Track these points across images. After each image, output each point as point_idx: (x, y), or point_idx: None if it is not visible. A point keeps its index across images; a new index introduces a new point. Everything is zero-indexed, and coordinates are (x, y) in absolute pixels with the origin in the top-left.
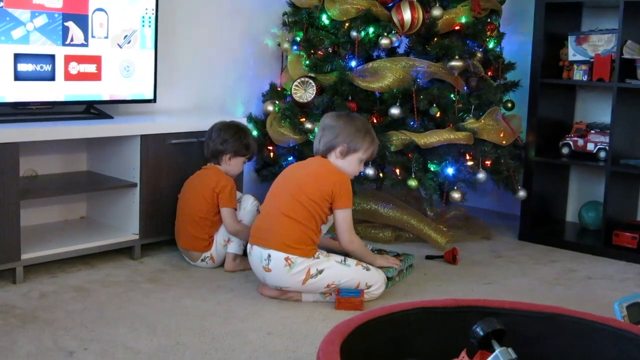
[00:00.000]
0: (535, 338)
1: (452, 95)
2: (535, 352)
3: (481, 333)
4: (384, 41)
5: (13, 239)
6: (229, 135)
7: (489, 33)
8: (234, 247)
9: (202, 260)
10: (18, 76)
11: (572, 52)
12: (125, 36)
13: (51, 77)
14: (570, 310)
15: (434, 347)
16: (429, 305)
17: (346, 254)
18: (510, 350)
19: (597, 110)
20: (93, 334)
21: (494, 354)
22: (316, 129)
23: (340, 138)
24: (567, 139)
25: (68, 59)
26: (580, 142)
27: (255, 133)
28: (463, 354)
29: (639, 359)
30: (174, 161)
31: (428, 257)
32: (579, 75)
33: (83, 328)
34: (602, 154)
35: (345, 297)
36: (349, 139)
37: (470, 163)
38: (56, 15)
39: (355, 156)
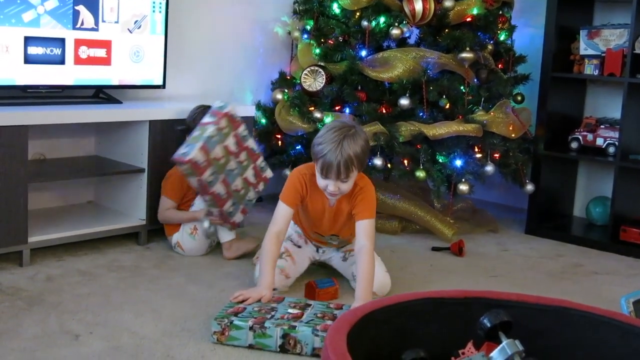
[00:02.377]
0: (542, 331)
1: (462, 87)
2: (542, 345)
3: (488, 325)
4: (395, 31)
5: (20, 222)
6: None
7: (500, 25)
8: (224, 236)
9: (175, 246)
10: (28, 59)
11: (584, 46)
12: (136, 21)
13: (61, 61)
14: (577, 304)
15: (441, 338)
16: (436, 296)
17: None
18: (517, 342)
19: (607, 105)
20: (98, 318)
21: (501, 345)
22: (325, 118)
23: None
24: (576, 133)
25: (78, 43)
26: (590, 137)
27: (263, 121)
28: (469, 345)
29: None
30: None
31: (434, 249)
32: (589, 69)
33: (89, 312)
34: (612, 149)
35: (323, 288)
36: (313, 144)
37: (478, 155)
38: None
39: (316, 165)
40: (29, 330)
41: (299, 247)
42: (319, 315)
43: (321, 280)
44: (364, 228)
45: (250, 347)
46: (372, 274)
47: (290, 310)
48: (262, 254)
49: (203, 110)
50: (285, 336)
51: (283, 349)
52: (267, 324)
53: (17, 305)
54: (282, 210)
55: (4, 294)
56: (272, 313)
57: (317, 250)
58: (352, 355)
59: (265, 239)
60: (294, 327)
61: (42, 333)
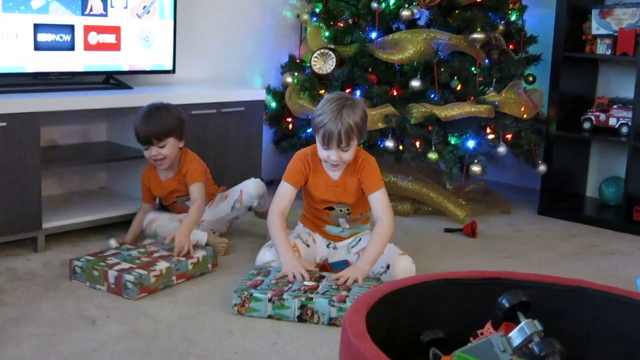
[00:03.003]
0: (560, 311)
1: (473, 68)
2: (560, 325)
3: (507, 305)
4: (405, 13)
5: (34, 208)
6: None
7: (511, 5)
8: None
9: None
10: (38, 46)
11: (596, 26)
12: (144, 6)
13: (71, 47)
14: (595, 284)
15: (459, 319)
16: (454, 277)
17: None
18: (536, 322)
19: (620, 85)
20: (115, 303)
21: (520, 325)
22: None
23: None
24: (588, 113)
25: (87, 29)
26: (602, 117)
27: (273, 105)
28: (488, 325)
29: None
30: (192, 132)
31: (447, 230)
32: (602, 49)
33: (105, 296)
34: (624, 129)
35: (337, 270)
36: (312, 116)
37: (490, 136)
38: None
39: (316, 136)
40: (46, 316)
41: (308, 246)
42: (333, 287)
43: (336, 262)
44: (378, 201)
45: (269, 317)
46: (381, 245)
47: (305, 283)
48: (273, 235)
49: None
50: (302, 307)
51: (301, 319)
52: (285, 296)
53: (33, 291)
54: (285, 189)
55: (20, 279)
56: (289, 285)
57: (328, 246)
58: (371, 336)
59: (270, 218)
60: (311, 298)
61: (59, 318)
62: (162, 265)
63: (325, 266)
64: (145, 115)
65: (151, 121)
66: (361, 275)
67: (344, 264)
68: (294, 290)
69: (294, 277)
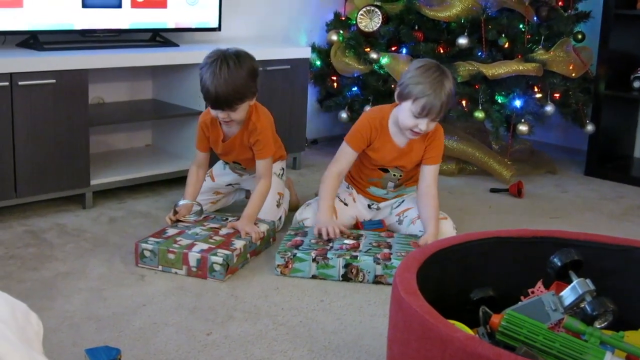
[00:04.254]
0: (611, 271)
1: (521, 26)
2: (611, 284)
3: (559, 263)
4: None
5: (83, 165)
6: None
7: None
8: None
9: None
10: (85, 3)
11: None
12: None
13: (118, 5)
14: None
15: (509, 277)
16: (505, 235)
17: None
18: (588, 281)
19: None
20: None
21: (572, 284)
22: (381, 59)
23: (400, 80)
24: (639, 72)
25: None
26: None
27: (318, 63)
28: (539, 284)
29: None
30: None
31: (492, 190)
32: None
33: None
34: None
35: (370, 228)
36: (404, 84)
37: (538, 95)
38: None
39: (406, 104)
40: (95, 271)
41: (346, 204)
42: (374, 244)
43: (369, 221)
44: (433, 172)
45: (314, 277)
46: (438, 212)
47: (346, 241)
48: (321, 191)
49: None
50: (347, 266)
51: (346, 278)
52: (329, 255)
53: (82, 247)
54: (346, 153)
55: (69, 235)
56: (330, 244)
57: (370, 207)
58: (421, 293)
59: (325, 176)
60: (356, 257)
61: (109, 273)
62: (239, 243)
63: (358, 226)
64: (216, 74)
65: (221, 84)
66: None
67: (379, 224)
68: (337, 249)
69: (327, 233)
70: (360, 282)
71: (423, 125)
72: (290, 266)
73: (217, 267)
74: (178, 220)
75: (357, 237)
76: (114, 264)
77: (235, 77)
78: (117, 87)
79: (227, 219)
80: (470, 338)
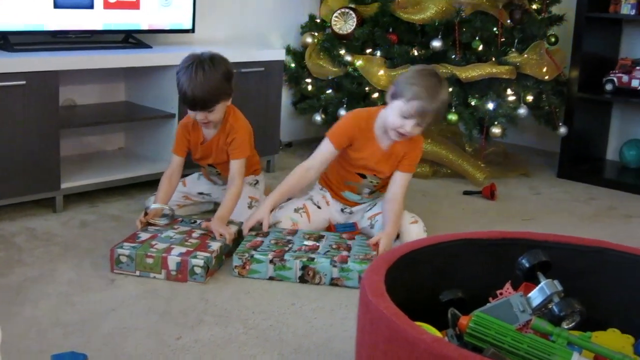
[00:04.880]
0: (581, 272)
1: (495, 28)
2: (580, 286)
3: (527, 265)
4: None
5: (53, 168)
6: None
7: None
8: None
9: None
10: (57, 4)
11: None
12: None
13: (90, 5)
14: (616, 245)
15: (478, 279)
16: (474, 237)
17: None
18: (556, 282)
19: None
20: None
21: (540, 285)
22: (356, 61)
23: (397, 80)
24: (611, 75)
25: None
26: (625, 78)
27: (293, 65)
28: (507, 285)
29: None
30: None
31: (466, 193)
32: (626, 9)
33: None
34: None
35: (343, 232)
36: (399, 83)
37: (511, 98)
38: None
39: (398, 103)
40: (64, 275)
41: (319, 207)
42: (333, 246)
43: (342, 224)
44: (404, 180)
45: (271, 279)
46: (400, 216)
47: (305, 243)
48: (282, 182)
49: None
50: (304, 268)
51: (302, 280)
52: (286, 257)
53: (51, 251)
54: (324, 149)
55: (38, 239)
56: (289, 245)
57: (342, 211)
58: (390, 295)
59: (296, 168)
60: (313, 259)
61: (78, 278)
62: (215, 245)
63: (331, 228)
64: (192, 77)
65: (197, 87)
66: (389, 239)
67: (351, 226)
68: (295, 251)
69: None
70: (317, 284)
71: (409, 126)
72: (247, 267)
73: (197, 270)
74: (148, 223)
75: (318, 239)
76: (83, 269)
77: (211, 79)
78: (89, 89)
79: (195, 222)
80: (437, 340)
